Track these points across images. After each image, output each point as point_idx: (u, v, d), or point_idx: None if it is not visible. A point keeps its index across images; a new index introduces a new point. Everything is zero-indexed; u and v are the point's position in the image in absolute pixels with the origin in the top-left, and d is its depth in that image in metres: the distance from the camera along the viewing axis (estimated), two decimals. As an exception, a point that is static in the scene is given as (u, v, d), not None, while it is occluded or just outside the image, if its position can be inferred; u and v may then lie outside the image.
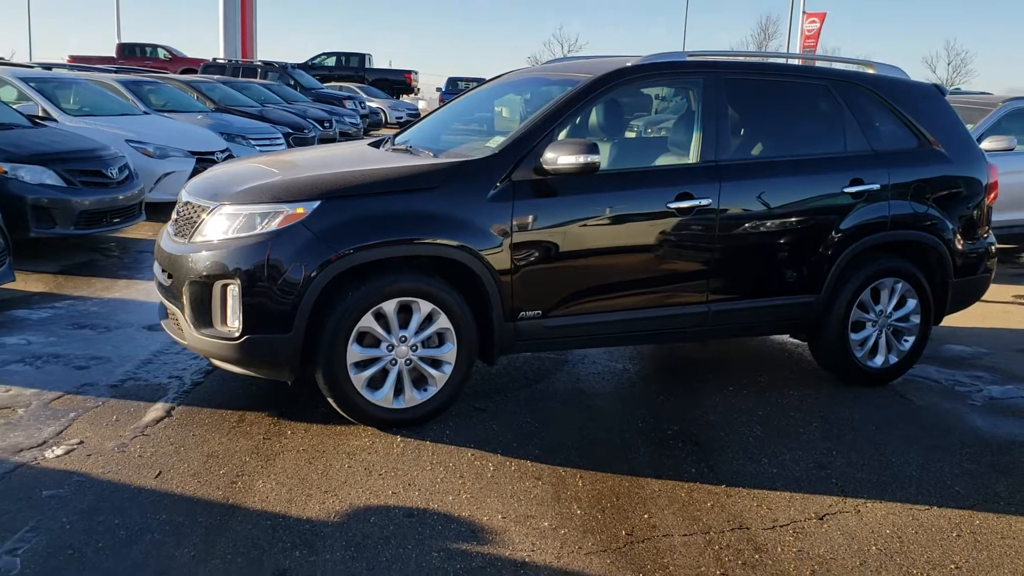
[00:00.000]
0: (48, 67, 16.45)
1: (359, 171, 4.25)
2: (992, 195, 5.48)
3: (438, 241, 4.09)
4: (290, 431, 4.12)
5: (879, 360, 5.18)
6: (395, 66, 48.93)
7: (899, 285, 5.12)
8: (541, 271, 4.32)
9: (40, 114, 10.10)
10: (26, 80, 10.57)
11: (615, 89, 4.68)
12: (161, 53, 39.48)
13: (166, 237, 4.47)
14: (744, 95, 4.94)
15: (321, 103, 24.26)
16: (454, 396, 4.29)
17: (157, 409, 4.31)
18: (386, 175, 4.23)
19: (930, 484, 3.90)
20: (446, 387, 4.24)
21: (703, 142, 4.68)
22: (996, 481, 3.96)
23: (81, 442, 3.89)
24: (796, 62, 5.51)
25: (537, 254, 4.30)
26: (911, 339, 5.23)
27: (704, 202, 4.55)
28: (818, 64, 5.36)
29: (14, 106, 9.89)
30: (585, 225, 4.38)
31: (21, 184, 7.27)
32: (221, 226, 4.07)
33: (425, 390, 4.23)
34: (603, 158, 4.91)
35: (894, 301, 5.14)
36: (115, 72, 18.50)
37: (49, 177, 7.46)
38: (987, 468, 4.10)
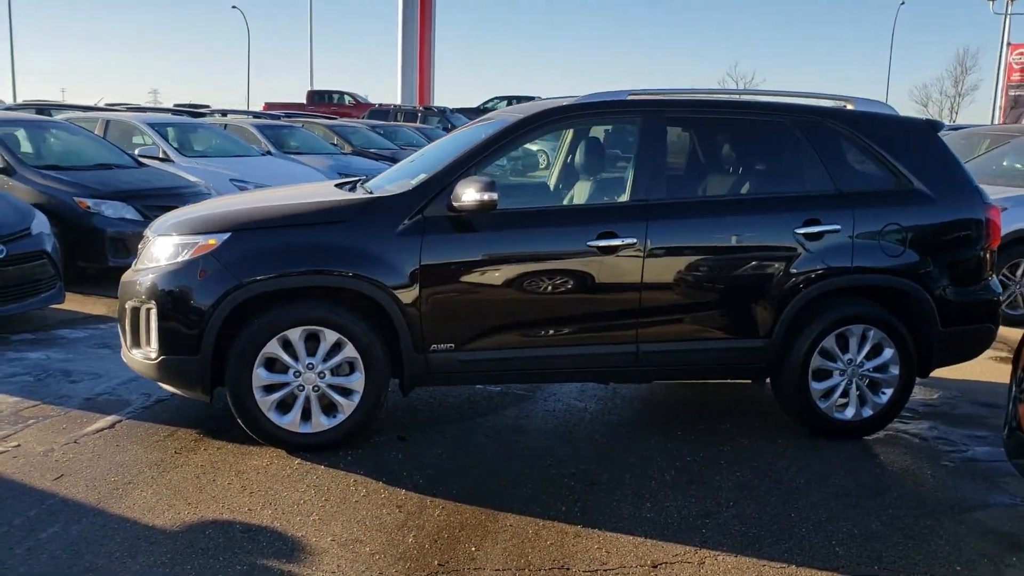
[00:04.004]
0: (200, 114, 17.97)
1: (272, 205, 4.54)
2: (994, 239, 5.04)
3: (340, 272, 4.27)
4: (203, 447, 4.40)
5: (849, 412, 4.86)
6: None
7: (871, 332, 4.80)
8: (453, 305, 4.42)
9: (160, 155, 11.16)
10: (152, 125, 11.73)
11: (542, 129, 4.74)
12: (347, 99, 42.05)
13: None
14: (687, 134, 4.86)
15: (471, 145, 25.11)
16: (364, 423, 4.44)
17: (105, 421, 4.72)
18: (295, 210, 4.49)
19: (812, 543, 3.65)
20: (354, 414, 4.39)
21: (635, 180, 4.63)
22: (893, 546, 3.65)
23: (18, 445, 4.34)
24: (767, 99, 5.30)
25: (448, 288, 4.40)
26: (889, 391, 4.87)
27: (628, 241, 4.49)
28: (785, 100, 5.14)
29: (138, 148, 11.07)
30: (499, 261, 4.44)
31: (102, 218, 8.12)
32: (152, 255, 4.45)
33: (334, 416, 4.40)
34: (545, 196, 4.99)
35: (865, 350, 4.82)
36: (283, 117, 20.10)
37: (129, 212, 8.27)
38: (895, 531, 3.79)
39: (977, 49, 69.04)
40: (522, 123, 4.64)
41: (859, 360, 4.82)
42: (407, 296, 4.33)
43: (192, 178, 9.97)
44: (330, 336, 4.30)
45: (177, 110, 20.42)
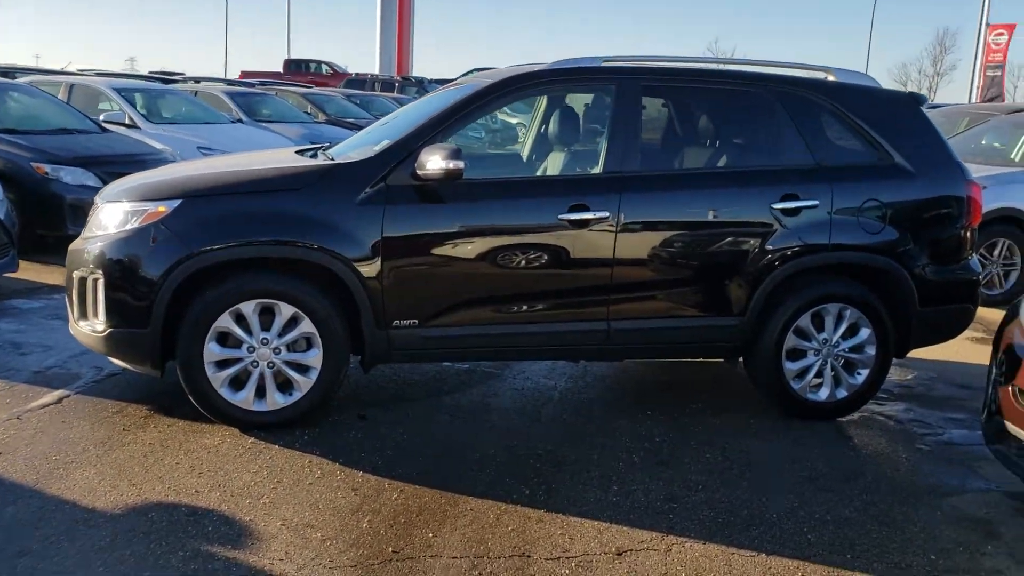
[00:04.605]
0: (172, 81, 17.57)
1: (226, 172, 4.33)
2: (975, 217, 4.90)
3: (296, 242, 4.07)
4: (153, 425, 4.21)
5: (823, 393, 4.74)
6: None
7: (848, 312, 4.66)
8: (417, 279, 4.24)
9: (127, 121, 10.86)
10: (119, 90, 11.40)
11: (512, 95, 4.54)
12: (324, 69, 41.47)
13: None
14: (663, 103, 4.69)
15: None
16: (322, 401, 4.26)
17: (52, 396, 4.51)
18: (250, 176, 4.28)
19: (783, 529, 3.52)
20: (311, 392, 4.21)
21: (608, 152, 4.45)
22: (866, 533, 3.53)
23: (-43, 421, 4.13)
24: (745, 68, 5.11)
25: (412, 261, 4.21)
26: (865, 372, 4.75)
27: (600, 215, 4.32)
28: (764, 70, 4.96)
29: (104, 113, 10.76)
30: (466, 234, 4.26)
31: (61, 185, 7.84)
32: (101, 223, 4.23)
33: (290, 394, 4.21)
34: (516, 167, 4.80)
35: (841, 329, 4.68)
36: (257, 85, 19.72)
37: (89, 179, 7.99)
38: (869, 518, 3.66)
39: (956, 29, 69.03)
40: (491, 89, 4.44)
41: (835, 340, 4.68)
42: (368, 269, 4.14)
43: (158, 145, 9.71)
44: (286, 310, 4.11)
45: (149, 77, 20.00)
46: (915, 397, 5.28)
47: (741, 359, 4.88)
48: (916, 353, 5.05)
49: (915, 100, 4.96)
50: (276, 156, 5.12)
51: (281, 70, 40.85)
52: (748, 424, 4.66)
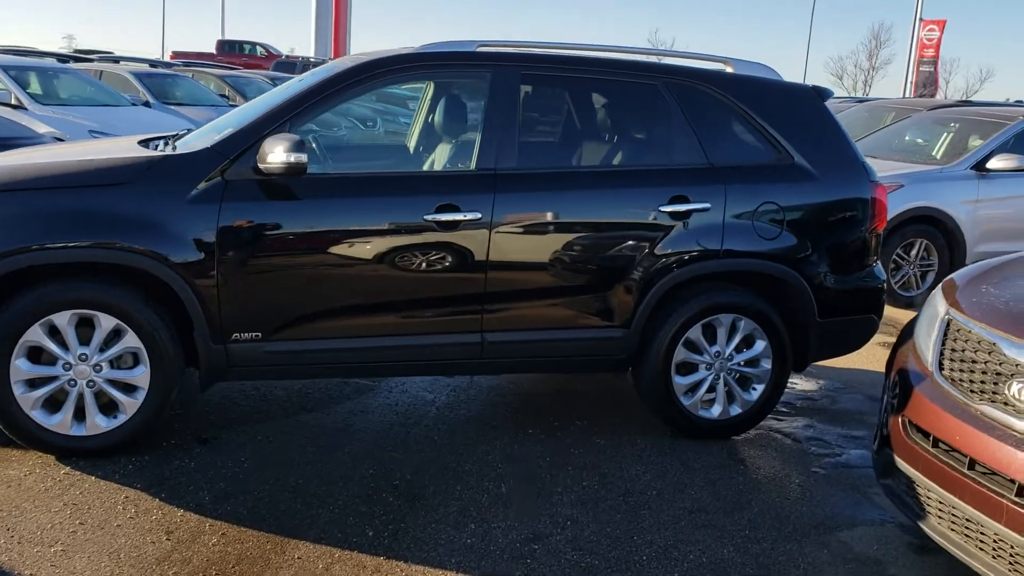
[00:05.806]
0: (87, 60, 16.69)
1: (41, 163, 3.82)
2: (880, 221, 4.59)
3: (116, 244, 3.58)
4: (-47, 453, 3.69)
5: (716, 410, 4.39)
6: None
7: (742, 323, 4.32)
8: (259, 286, 3.77)
9: (13, 102, 10.16)
10: (6, 69, 10.66)
11: (370, 82, 4.05)
12: (258, 50, 40.42)
13: None
14: (543, 94, 4.30)
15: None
16: (151, 424, 3.78)
17: None
18: (66, 169, 3.77)
19: (652, 574, 3.14)
20: (139, 414, 3.73)
21: (482, 146, 4.03)
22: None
23: None
24: (638, 58, 4.72)
25: (254, 267, 3.75)
26: (760, 387, 4.41)
27: (472, 216, 3.90)
28: (658, 60, 4.58)
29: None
30: (318, 236, 3.82)
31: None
32: None
33: (115, 417, 3.72)
34: (395, 160, 4.39)
35: (735, 341, 4.34)
36: (175, 67, 18.89)
37: (-51, 164, 7.32)
38: (749, 559, 3.31)
39: (892, 24, 70.07)
40: (348, 74, 3.99)
41: (728, 353, 4.34)
42: (202, 275, 3.67)
43: (42, 128, 9.04)
44: (106, 322, 3.62)
45: (59, 56, 19.01)
46: (817, 411, 4.97)
47: (629, 373, 4.50)
48: (825, 360, 4.74)
49: (818, 95, 4.62)
50: (113, 146, 4.59)
51: (214, 51, 39.73)
52: (635, 444, 4.29)
